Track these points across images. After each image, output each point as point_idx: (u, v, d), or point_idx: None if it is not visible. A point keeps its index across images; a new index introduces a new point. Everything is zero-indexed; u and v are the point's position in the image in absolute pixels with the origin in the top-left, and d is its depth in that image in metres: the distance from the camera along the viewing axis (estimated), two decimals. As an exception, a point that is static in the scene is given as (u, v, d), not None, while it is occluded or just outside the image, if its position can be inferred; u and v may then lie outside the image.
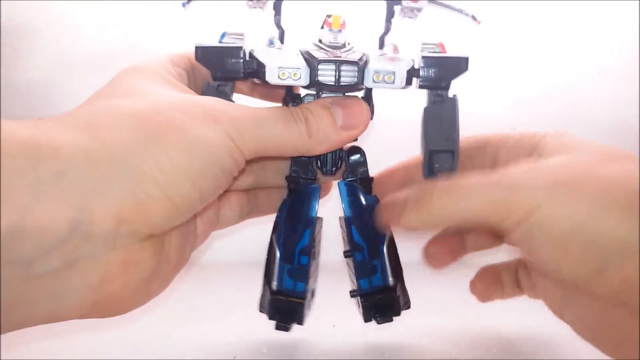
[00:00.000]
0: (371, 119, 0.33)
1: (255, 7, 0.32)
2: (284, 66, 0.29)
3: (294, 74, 0.30)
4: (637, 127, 0.55)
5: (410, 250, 0.53)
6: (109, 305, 0.25)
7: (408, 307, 0.35)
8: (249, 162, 0.35)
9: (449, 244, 0.36)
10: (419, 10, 0.32)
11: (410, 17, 0.33)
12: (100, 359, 0.34)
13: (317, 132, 0.29)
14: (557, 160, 0.27)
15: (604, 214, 0.24)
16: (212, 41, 0.31)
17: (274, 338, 0.37)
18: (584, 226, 0.24)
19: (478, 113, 0.54)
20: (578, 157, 0.27)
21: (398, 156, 0.48)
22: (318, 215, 0.34)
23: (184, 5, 0.31)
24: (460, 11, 0.32)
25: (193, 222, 0.32)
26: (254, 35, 0.33)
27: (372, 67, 0.30)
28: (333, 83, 0.29)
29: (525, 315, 0.41)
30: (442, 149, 0.32)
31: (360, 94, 0.34)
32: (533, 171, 0.26)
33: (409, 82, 0.31)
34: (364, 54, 0.31)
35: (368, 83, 0.30)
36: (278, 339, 0.36)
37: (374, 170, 0.36)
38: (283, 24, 0.32)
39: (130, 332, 0.38)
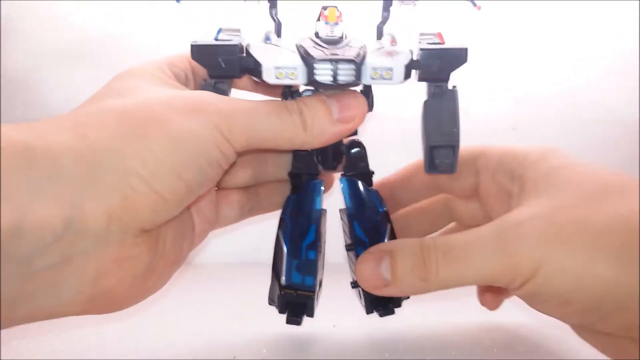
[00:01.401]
0: (370, 111, 0.33)
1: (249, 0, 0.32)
2: (281, 66, 0.29)
3: (291, 74, 0.29)
4: (637, 127, 0.55)
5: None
6: (106, 301, 0.26)
7: (407, 297, 0.35)
8: (246, 156, 0.35)
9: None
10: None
11: (408, 4, 0.32)
12: (100, 358, 0.34)
13: (312, 125, 0.29)
14: (544, 209, 0.27)
15: (598, 265, 0.25)
16: (208, 39, 0.31)
17: (274, 338, 0.37)
18: (582, 282, 0.25)
19: (478, 112, 0.54)
20: (565, 202, 0.27)
21: (396, 150, 0.48)
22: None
23: (177, 0, 0.31)
24: None
25: (190, 219, 0.32)
26: (250, 29, 0.32)
27: (369, 63, 0.29)
28: (331, 82, 0.29)
29: (527, 313, 0.40)
30: (442, 144, 0.31)
31: (359, 87, 0.33)
32: (526, 228, 0.27)
33: (407, 76, 0.30)
34: (360, 49, 0.30)
35: (366, 80, 0.30)
36: (278, 339, 0.36)
37: (372, 164, 0.36)
38: (279, 16, 0.32)
39: (130, 331, 0.38)
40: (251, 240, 0.51)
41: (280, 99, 0.30)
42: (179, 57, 0.34)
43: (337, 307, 0.38)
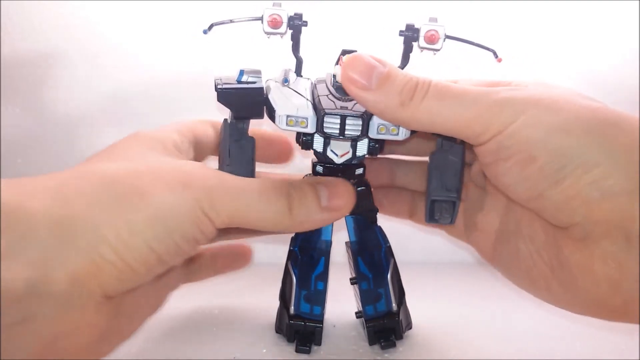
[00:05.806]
0: (376, 155, 0.34)
1: (273, 35, 0.32)
2: (292, 115, 0.31)
3: (301, 122, 0.31)
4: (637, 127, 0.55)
5: (413, 252, 0.53)
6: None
7: (410, 328, 0.37)
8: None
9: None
10: (436, 50, 0.32)
11: (429, 52, 0.32)
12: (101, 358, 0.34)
13: (299, 210, 0.29)
14: (538, 87, 0.29)
15: (572, 129, 0.26)
16: (231, 79, 0.31)
17: (274, 338, 0.37)
18: (552, 137, 0.26)
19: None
20: (560, 89, 0.29)
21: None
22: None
23: (205, 32, 0.31)
24: (482, 46, 0.32)
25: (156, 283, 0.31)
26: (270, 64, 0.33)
27: (377, 120, 0.30)
28: (337, 134, 0.30)
29: (527, 313, 0.41)
30: (443, 198, 0.32)
31: None
32: (517, 92, 0.28)
33: (414, 131, 0.31)
34: None
35: (372, 134, 0.31)
36: (278, 339, 0.37)
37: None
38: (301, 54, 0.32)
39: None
40: (253, 241, 0.51)
41: (269, 179, 0.30)
42: (186, 127, 0.34)
43: (337, 307, 0.39)
